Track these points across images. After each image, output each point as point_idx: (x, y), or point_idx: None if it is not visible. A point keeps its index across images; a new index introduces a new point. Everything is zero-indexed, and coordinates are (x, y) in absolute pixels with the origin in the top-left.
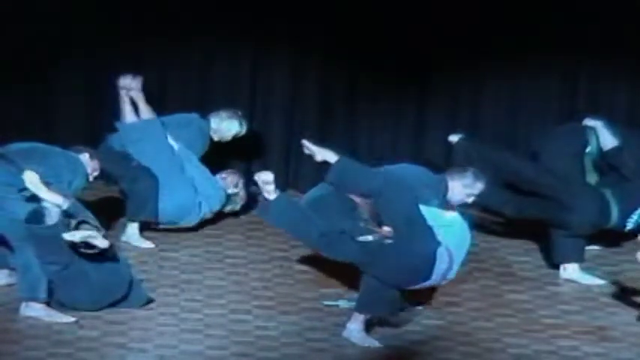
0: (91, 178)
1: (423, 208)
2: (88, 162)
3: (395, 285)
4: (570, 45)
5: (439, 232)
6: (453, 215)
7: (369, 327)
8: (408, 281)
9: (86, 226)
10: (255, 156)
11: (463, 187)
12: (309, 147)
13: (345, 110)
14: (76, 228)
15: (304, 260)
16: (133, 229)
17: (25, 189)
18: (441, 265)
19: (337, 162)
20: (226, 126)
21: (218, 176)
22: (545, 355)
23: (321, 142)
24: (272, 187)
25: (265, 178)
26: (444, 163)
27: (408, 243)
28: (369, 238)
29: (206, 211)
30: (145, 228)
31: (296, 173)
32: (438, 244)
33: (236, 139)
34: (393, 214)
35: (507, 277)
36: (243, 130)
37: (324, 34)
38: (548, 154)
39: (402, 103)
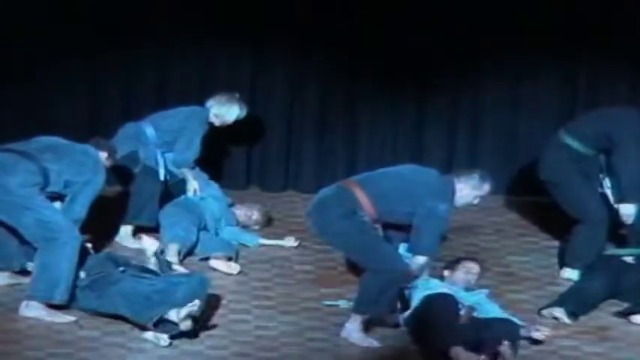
0: None
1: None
2: (105, 160)
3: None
4: (570, 44)
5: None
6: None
7: (368, 327)
8: None
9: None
10: (255, 156)
11: (472, 189)
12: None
13: (345, 110)
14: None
15: (304, 260)
16: (126, 230)
17: (48, 186)
18: None
19: None
20: (227, 110)
21: (237, 206)
22: (545, 355)
23: (321, 142)
24: None
25: None
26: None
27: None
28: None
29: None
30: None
31: (296, 173)
32: None
33: (238, 124)
34: None
35: (507, 277)
36: (244, 113)
37: (324, 34)
38: (543, 171)
39: (402, 103)
